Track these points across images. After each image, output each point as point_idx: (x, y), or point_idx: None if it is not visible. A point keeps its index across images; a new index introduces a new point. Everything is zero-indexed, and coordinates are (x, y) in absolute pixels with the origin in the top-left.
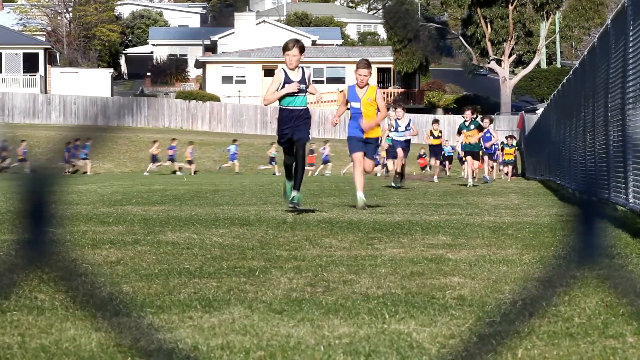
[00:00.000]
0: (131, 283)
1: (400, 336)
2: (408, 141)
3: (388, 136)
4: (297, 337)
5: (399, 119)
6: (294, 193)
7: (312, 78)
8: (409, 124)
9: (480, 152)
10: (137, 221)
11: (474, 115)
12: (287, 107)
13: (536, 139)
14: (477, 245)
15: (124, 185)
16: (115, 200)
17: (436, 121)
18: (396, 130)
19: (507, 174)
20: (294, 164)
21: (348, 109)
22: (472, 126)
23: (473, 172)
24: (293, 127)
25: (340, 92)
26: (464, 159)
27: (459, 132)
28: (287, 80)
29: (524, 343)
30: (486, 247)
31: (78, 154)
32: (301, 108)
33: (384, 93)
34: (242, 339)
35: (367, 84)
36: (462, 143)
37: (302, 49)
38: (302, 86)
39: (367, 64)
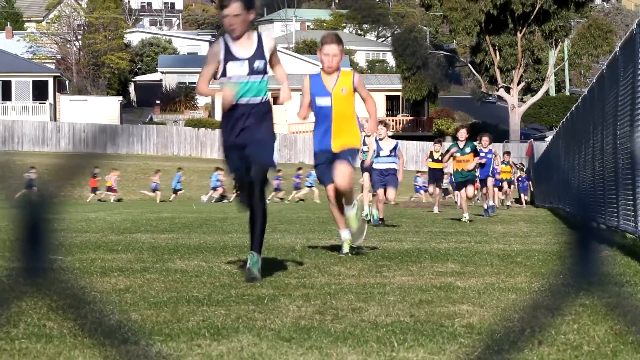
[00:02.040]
0: (140, 311)
1: None
2: (394, 172)
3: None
4: None
5: (380, 139)
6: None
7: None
8: (395, 148)
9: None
10: (146, 249)
11: (468, 136)
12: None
13: (545, 166)
14: (486, 273)
15: (133, 213)
16: (124, 228)
17: (438, 141)
18: (377, 154)
19: (505, 193)
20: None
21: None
22: (468, 149)
23: (470, 201)
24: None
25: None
26: (450, 191)
27: (448, 154)
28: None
29: None
30: (495, 275)
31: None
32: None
33: (391, 120)
34: None
35: (339, 68)
36: (452, 170)
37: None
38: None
39: (336, 38)
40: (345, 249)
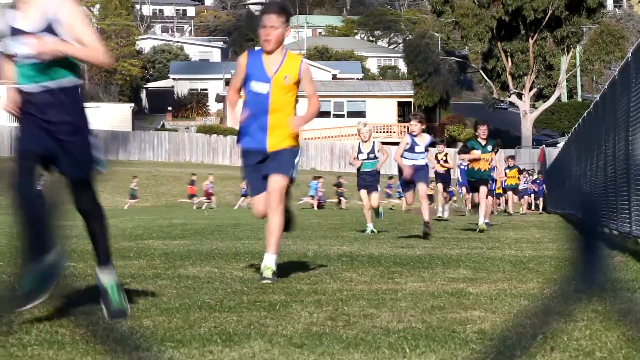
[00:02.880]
0: (152, 317)
1: None
2: (426, 167)
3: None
4: None
5: (414, 135)
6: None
7: (332, 112)
8: (429, 144)
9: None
10: (158, 255)
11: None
12: None
13: (557, 172)
14: (498, 279)
15: (145, 219)
16: (136, 235)
17: (441, 141)
18: (411, 149)
19: (506, 202)
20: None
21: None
22: (489, 147)
23: (486, 208)
24: None
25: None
26: (463, 192)
27: (464, 151)
28: None
29: None
30: (507, 281)
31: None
32: None
33: (404, 127)
34: None
35: (284, 49)
36: (467, 168)
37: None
38: None
39: (277, 8)
40: (266, 273)
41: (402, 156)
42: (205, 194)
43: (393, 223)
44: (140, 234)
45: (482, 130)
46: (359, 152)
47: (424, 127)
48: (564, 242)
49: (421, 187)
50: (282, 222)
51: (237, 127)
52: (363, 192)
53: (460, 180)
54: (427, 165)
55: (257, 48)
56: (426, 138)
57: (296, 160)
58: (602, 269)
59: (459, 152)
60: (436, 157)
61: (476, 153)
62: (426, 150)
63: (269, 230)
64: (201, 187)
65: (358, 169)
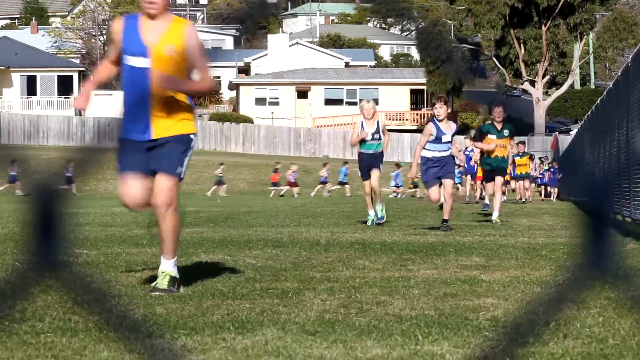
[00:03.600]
0: (165, 305)
1: (433, 358)
2: (451, 160)
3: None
4: (330, 358)
5: (439, 119)
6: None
7: (345, 100)
8: (455, 132)
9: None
10: None
11: (505, 116)
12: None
13: (570, 160)
14: (511, 267)
15: None
16: (150, 222)
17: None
18: (437, 140)
19: (513, 190)
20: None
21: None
22: (506, 131)
23: (503, 196)
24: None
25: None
26: (474, 182)
27: (479, 138)
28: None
29: None
30: (520, 268)
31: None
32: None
33: (416, 114)
34: None
35: (168, 10)
36: (482, 155)
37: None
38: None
39: None
40: (160, 283)
41: (424, 147)
42: (288, 183)
43: (406, 210)
44: (153, 221)
45: (497, 113)
46: (362, 131)
47: (449, 110)
48: (574, 229)
49: (447, 184)
50: (175, 223)
51: (83, 108)
52: (366, 175)
53: (466, 167)
54: (452, 157)
55: (130, 15)
56: (452, 126)
57: (186, 158)
58: (612, 255)
59: (473, 139)
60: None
61: (491, 139)
62: (450, 140)
63: (161, 236)
64: (284, 176)
65: (360, 152)
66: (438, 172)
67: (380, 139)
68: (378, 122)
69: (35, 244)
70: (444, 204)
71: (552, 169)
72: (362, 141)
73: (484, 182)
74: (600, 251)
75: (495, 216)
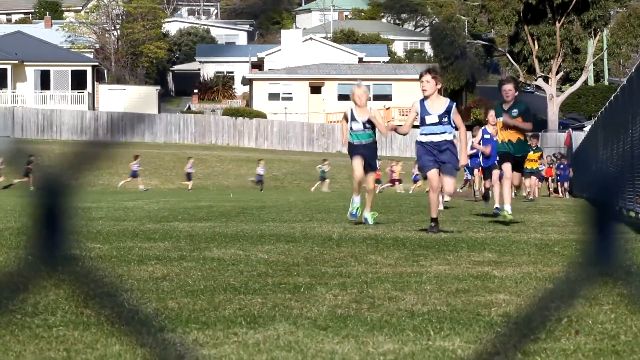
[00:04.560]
0: (177, 299)
1: (445, 353)
2: (450, 147)
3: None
4: (342, 353)
5: (425, 96)
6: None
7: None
8: (449, 111)
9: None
10: (183, 237)
11: (517, 94)
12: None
13: (584, 156)
14: (523, 263)
15: (171, 201)
16: (162, 217)
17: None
18: (422, 122)
19: (517, 186)
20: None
21: None
22: (514, 111)
23: (515, 190)
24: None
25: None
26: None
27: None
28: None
29: None
30: (532, 265)
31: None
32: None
33: None
34: (286, 356)
35: None
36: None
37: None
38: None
39: None
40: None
41: (421, 133)
42: (390, 180)
43: (419, 206)
44: (165, 216)
45: (506, 90)
46: (352, 119)
47: (439, 86)
48: (583, 224)
49: (447, 183)
50: None
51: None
52: (357, 160)
53: (469, 165)
54: (452, 144)
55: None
56: (443, 103)
57: None
58: (619, 250)
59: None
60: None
61: (501, 120)
62: (449, 121)
63: None
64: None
65: (349, 143)
66: (434, 160)
67: (373, 127)
68: (372, 110)
69: (47, 238)
70: (432, 201)
71: (561, 166)
72: (351, 129)
73: (496, 169)
74: (607, 246)
75: (507, 208)
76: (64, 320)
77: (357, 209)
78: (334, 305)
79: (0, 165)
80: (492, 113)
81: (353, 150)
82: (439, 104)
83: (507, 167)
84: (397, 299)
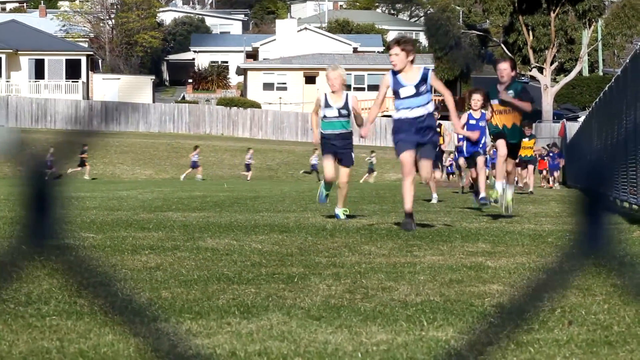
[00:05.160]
0: (170, 289)
1: (438, 343)
2: (431, 120)
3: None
4: (335, 343)
5: (396, 70)
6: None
7: (353, 86)
8: (425, 79)
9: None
10: (177, 227)
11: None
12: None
13: (578, 147)
14: (517, 253)
15: (165, 191)
16: (156, 207)
17: (436, 109)
18: (397, 95)
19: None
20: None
21: None
22: (512, 92)
23: (508, 179)
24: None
25: None
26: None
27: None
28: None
29: (563, 351)
30: (526, 255)
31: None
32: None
33: None
34: (279, 345)
35: None
36: (490, 124)
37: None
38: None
39: None
40: None
41: (397, 108)
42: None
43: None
44: (159, 205)
45: (500, 70)
46: (327, 105)
47: (411, 58)
48: (576, 215)
49: (424, 166)
50: None
51: None
52: (328, 159)
53: (456, 155)
54: (432, 117)
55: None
56: (418, 73)
57: None
58: (611, 239)
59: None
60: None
61: (494, 105)
62: (428, 90)
63: None
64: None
65: (321, 134)
66: (414, 139)
67: (348, 115)
68: (347, 96)
69: (40, 228)
70: (406, 192)
71: (551, 154)
72: (324, 117)
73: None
74: (600, 236)
75: (509, 196)
76: (57, 309)
77: (327, 195)
78: (328, 295)
79: (49, 156)
80: (475, 97)
81: (325, 143)
82: (412, 74)
83: (501, 142)
84: (391, 289)
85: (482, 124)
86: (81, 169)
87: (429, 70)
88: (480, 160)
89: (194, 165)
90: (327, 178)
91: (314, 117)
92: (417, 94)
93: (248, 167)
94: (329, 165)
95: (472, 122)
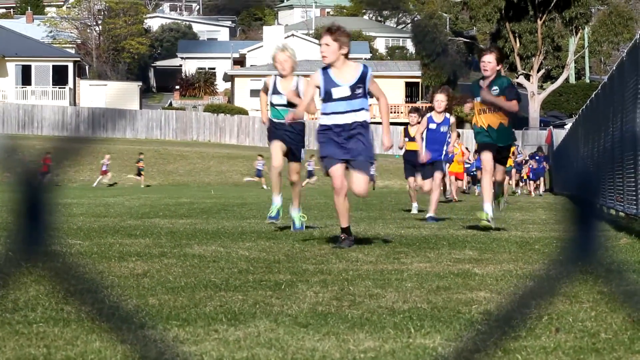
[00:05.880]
0: (157, 296)
1: (425, 351)
2: (366, 129)
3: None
4: (322, 351)
5: (327, 64)
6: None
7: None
8: (364, 78)
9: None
10: (164, 234)
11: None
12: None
13: (565, 154)
14: (504, 260)
15: (152, 198)
16: (143, 213)
17: (415, 110)
18: (328, 97)
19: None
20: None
21: None
22: (496, 89)
23: (495, 186)
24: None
25: None
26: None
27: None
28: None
29: (550, 358)
30: (513, 262)
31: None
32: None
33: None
34: (267, 353)
35: None
36: (474, 126)
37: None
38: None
39: None
40: None
41: (325, 113)
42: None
43: (400, 203)
44: (146, 212)
45: (484, 63)
46: (274, 92)
47: (345, 50)
48: (563, 222)
49: (359, 180)
50: None
51: None
52: (275, 144)
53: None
54: (366, 127)
55: None
56: (356, 70)
57: None
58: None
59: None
60: (406, 133)
61: (476, 103)
62: (365, 94)
63: None
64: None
65: (270, 121)
66: (343, 150)
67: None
68: (298, 82)
69: (27, 234)
70: (340, 208)
71: (536, 157)
72: (271, 104)
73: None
74: (587, 244)
75: (486, 209)
76: (44, 316)
77: (279, 209)
78: (315, 302)
79: (107, 162)
80: (438, 98)
81: (273, 131)
82: (349, 72)
83: (487, 157)
84: (378, 297)
85: (443, 129)
86: (139, 178)
87: (368, 70)
88: (437, 177)
89: (259, 174)
90: (274, 165)
91: (263, 97)
92: (353, 96)
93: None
94: (276, 150)
95: (432, 126)
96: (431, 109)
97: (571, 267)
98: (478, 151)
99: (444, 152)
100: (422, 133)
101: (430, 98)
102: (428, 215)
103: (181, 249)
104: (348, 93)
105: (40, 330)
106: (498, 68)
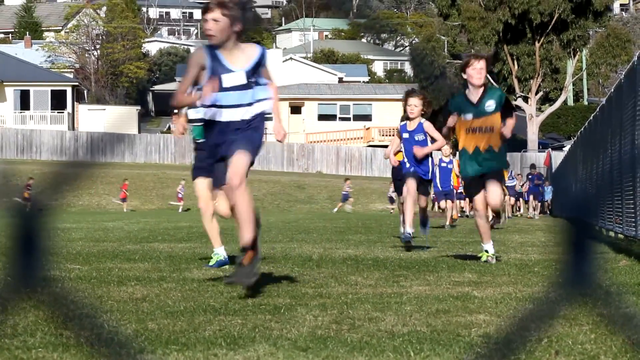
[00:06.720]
0: (156, 320)
1: None
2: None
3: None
4: None
5: (215, 46)
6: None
7: (338, 116)
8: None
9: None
10: (163, 258)
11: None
12: None
13: (563, 176)
14: (504, 283)
15: (151, 222)
16: (142, 237)
17: (405, 118)
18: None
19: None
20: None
21: None
22: (490, 104)
23: (497, 219)
24: None
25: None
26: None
27: (443, 122)
28: None
29: None
30: (512, 285)
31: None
32: None
33: None
34: None
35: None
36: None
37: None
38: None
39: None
40: None
41: (213, 104)
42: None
43: (398, 225)
44: (145, 236)
45: (477, 70)
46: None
47: (238, 28)
48: (562, 244)
49: (234, 169)
50: None
51: None
52: (199, 180)
53: (439, 188)
54: (261, 122)
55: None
56: (251, 51)
57: None
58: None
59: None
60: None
61: (463, 121)
62: (254, 82)
63: None
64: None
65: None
66: (223, 148)
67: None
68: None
69: (26, 260)
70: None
71: (530, 177)
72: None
73: (469, 196)
74: (587, 266)
75: (489, 252)
76: (43, 341)
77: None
78: (314, 326)
79: (181, 189)
80: (412, 102)
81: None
82: (243, 55)
83: (478, 199)
84: (377, 320)
85: (419, 137)
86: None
87: (265, 51)
88: (422, 201)
89: (345, 198)
90: (201, 194)
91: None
92: (248, 85)
93: None
94: (201, 186)
95: (405, 135)
96: (407, 117)
97: (570, 290)
98: (465, 189)
99: (429, 170)
100: (398, 146)
101: (404, 102)
102: (406, 231)
103: (180, 273)
104: (243, 81)
105: (39, 356)
106: (486, 80)
